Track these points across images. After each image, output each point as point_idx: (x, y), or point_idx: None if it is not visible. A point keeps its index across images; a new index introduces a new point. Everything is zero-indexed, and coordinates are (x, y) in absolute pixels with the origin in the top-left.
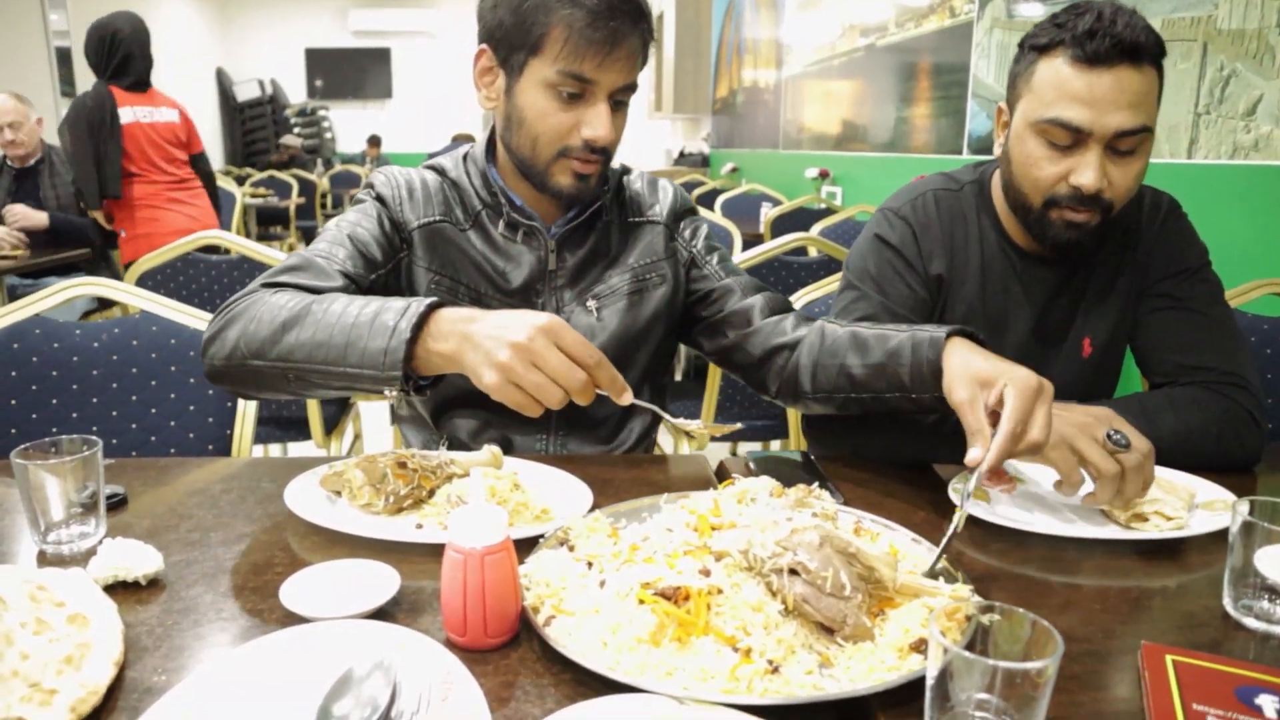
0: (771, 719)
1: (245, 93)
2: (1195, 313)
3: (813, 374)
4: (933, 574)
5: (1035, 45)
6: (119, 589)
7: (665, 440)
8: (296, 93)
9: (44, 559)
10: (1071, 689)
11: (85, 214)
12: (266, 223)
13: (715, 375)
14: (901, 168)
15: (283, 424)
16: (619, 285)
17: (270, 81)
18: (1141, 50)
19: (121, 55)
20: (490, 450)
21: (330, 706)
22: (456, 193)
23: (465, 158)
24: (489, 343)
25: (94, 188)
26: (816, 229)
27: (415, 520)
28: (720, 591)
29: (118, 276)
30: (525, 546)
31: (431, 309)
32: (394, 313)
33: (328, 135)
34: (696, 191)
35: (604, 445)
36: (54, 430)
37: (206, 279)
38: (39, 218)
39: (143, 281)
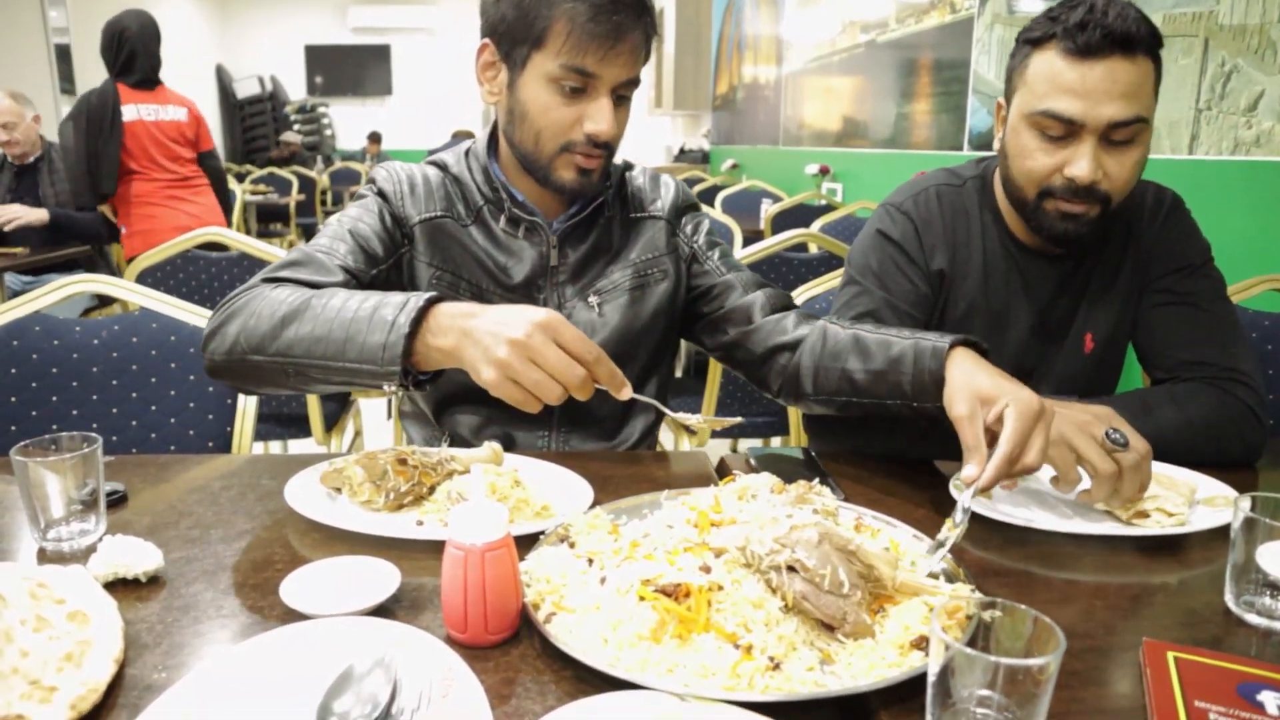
0: (773, 716)
1: (245, 90)
2: (1197, 308)
3: (814, 376)
4: (932, 574)
5: (1029, 39)
6: (119, 586)
7: (665, 436)
8: (296, 89)
9: (44, 556)
10: (1073, 685)
11: (86, 209)
12: (266, 220)
13: (716, 371)
14: (902, 164)
15: (283, 421)
16: (621, 281)
17: (270, 78)
18: (1134, 41)
19: (127, 52)
20: (490, 447)
21: (331, 703)
22: (458, 188)
23: (467, 153)
24: (487, 339)
25: (83, 184)
26: (817, 225)
27: (416, 517)
28: (721, 588)
29: (115, 274)
30: (526, 543)
31: (430, 304)
32: (393, 308)
33: (328, 132)
34: (697, 188)
35: (606, 442)
36: (54, 427)
37: (206, 276)
38: (38, 214)
39: (143, 278)
